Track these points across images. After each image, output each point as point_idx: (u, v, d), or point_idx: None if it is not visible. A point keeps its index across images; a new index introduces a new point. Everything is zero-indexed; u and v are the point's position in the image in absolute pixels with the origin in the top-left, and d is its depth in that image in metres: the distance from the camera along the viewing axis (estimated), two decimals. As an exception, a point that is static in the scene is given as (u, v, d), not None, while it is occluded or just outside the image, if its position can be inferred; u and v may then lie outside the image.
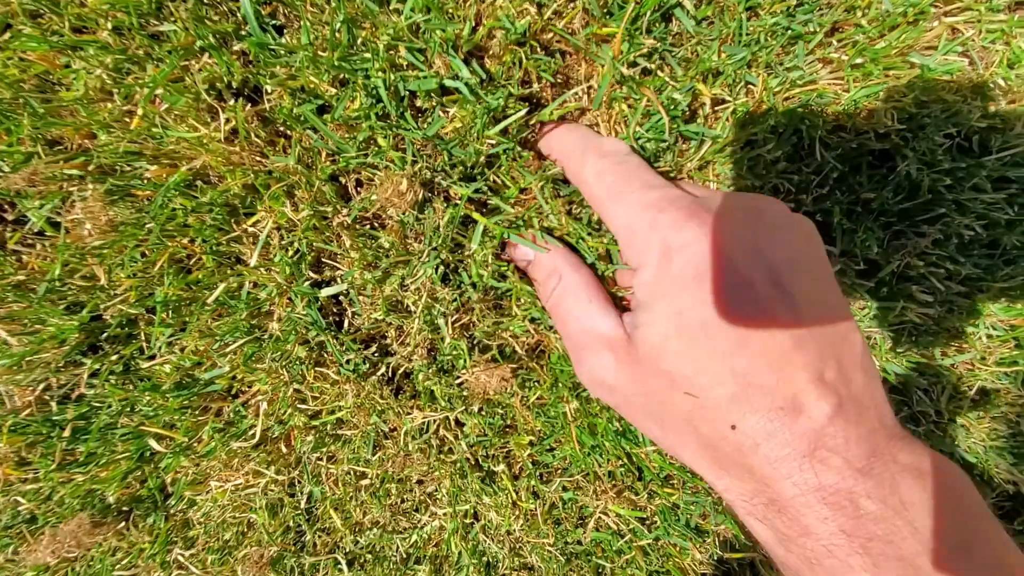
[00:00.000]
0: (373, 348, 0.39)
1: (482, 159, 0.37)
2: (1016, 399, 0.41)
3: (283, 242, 0.38)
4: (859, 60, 0.37)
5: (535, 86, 0.37)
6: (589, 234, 0.36)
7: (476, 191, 0.38)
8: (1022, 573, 0.24)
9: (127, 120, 0.35)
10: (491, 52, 0.36)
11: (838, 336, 0.28)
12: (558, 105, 0.36)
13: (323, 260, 0.39)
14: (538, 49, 0.36)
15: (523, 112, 0.34)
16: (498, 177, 0.38)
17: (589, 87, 0.37)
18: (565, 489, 0.43)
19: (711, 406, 0.28)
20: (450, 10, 0.35)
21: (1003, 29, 0.37)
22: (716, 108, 0.37)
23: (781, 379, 0.27)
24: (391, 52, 0.35)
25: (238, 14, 0.35)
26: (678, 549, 0.44)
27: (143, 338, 0.39)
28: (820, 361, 0.27)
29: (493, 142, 0.36)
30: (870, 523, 0.25)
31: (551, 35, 0.36)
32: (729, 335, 0.27)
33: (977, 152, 0.38)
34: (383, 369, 0.39)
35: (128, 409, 0.39)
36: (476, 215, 0.37)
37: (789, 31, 0.36)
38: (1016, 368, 0.41)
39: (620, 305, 0.35)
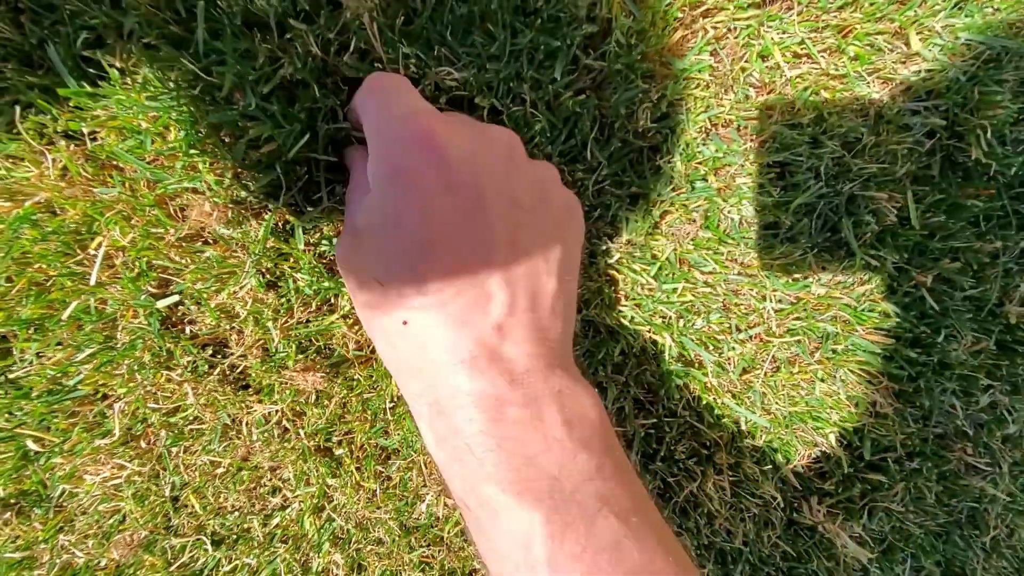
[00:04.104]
0: (211, 351, 0.44)
1: (296, 177, 0.42)
2: (805, 367, 0.45)
3: (125, 261, 0.43)
4: (617, 66, 0.40)
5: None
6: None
7: (291, 206, 0.42)
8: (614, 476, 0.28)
9: (-23, 165, 0.41)
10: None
11: (542, 274, 0.30)
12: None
13: (165, 276, 0.44)
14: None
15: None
16: (319, 193, 0.43)
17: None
18: (407, 470, 0.47)
19: (391, 296, 0.28)
20: (247, 48, 0.40)
21: (753, 25, 0.41)
22: (493, 118, 0.41)
23: (471, 285, 0.28)
24: (194, 89, 0.40)
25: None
26: (512, 519, 0.48)
27: (15, 353, 0.44)
28: (517, 283, 0.29)
29: (305, 161, 0.41)
30: (509, 426, 0.27)
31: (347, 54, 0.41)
32: (423, 236, 0.28)
33: (739, 140, 0.41)
34: (220, 368, 0.44)
35: (7, 415, 0.45)
36: (293, 219, 0.42)
37: (544, 47, 0.39)
38: (800, 338, 0.44)
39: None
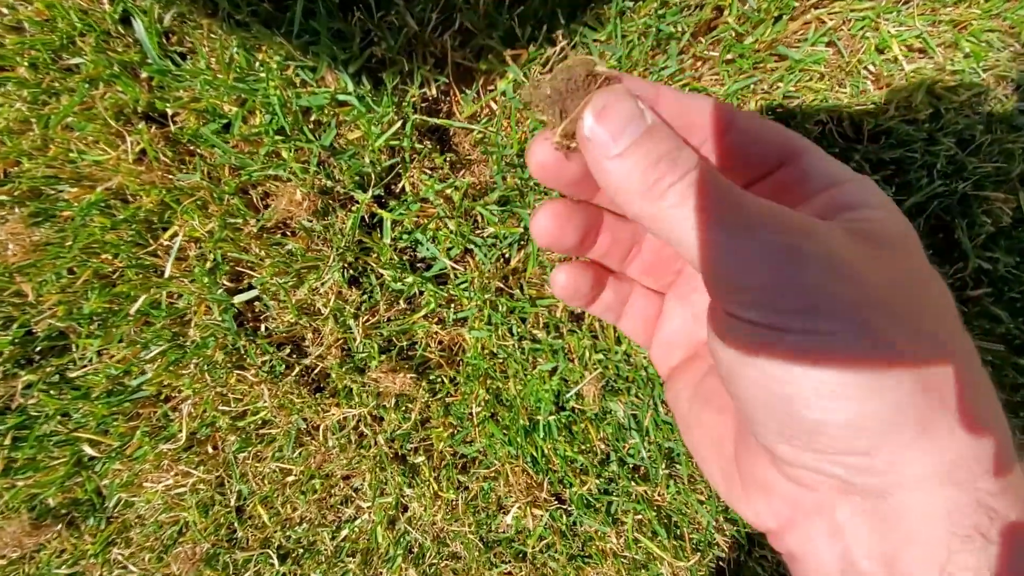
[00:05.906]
0: (287, 350, 0.41)
1: (381, 167, 0.40)
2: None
3: (199, 253, 0.40)
4: (729, 56, 0.39)
5: (430, 90, 0.40)
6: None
7: (376, 197, 0.40)
8: None
9: (46, 147, 0.38)
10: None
11: None
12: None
13: (239, 269, 0.41)
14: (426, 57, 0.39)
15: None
16: (401, 183, 0.41)
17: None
18: (486, 480, 0.44)
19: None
20: (339, 28, 0.37)
21: (870, 16, 0.39)
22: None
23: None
24: (284, 71, 0.37)
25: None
26: (598, 533, 0.45)
27: (75, 349, 0.41)
28: None
29: (389, 150, 0.39)
30: None
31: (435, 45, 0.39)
32: None
33: (852, 136, 0.40)
34: (298, 369, 0.41)
35: (63, 417, 0.42)
36: (382, 212, 0.40)
37: (659, 31, 0.38)
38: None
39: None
